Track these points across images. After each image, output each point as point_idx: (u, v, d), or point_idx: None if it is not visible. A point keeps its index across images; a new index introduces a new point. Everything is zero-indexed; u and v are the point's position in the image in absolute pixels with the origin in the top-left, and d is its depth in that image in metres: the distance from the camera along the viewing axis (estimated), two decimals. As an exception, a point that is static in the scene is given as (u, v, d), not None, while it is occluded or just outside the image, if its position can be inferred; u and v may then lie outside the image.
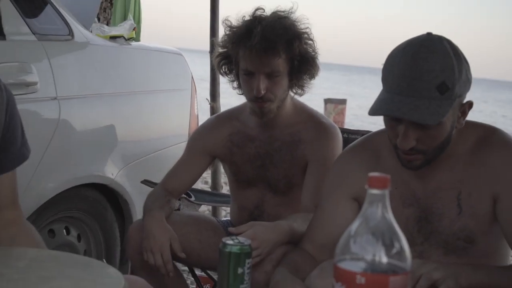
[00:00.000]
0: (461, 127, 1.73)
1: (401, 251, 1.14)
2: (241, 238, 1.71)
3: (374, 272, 1.12)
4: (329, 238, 1.86)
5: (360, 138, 1.91)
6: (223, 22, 2.33)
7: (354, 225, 1.16)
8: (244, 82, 2.28)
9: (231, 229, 2.11)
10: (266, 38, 2.17)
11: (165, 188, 2.44)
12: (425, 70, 1.62)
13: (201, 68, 3.27)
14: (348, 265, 1.14)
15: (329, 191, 2.00)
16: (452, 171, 1.78)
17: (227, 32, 2.31)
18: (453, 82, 1.62)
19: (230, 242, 1.67)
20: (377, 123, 2.18)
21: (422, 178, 1.82)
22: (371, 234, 1.15)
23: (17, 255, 1.54)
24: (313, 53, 2.31)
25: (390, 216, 1.16)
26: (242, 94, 2.41)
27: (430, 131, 1.67)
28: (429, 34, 1.70)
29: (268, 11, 2.29)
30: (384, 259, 1.13)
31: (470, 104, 1.72)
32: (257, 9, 2.28)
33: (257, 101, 2.24)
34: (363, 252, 1.14)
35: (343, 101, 6.77)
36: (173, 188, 2.45)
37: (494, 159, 1.74)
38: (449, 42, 1.68)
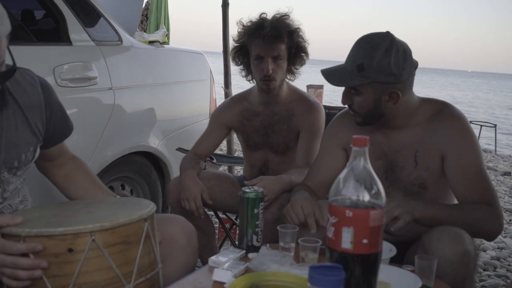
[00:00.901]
0: (391, 109, 1.72)
1: (378, 192, 1.16)
2: (255, 187, 1.72)
3: (358, 208, 1.14)
4: (324, 177, 1.92)
5: (346, 108, 1.90)
6: (237, 22, 2.33)
7: (343, 174, 1.18)
8: (255, 66, 2.28)
9: (246, 182, 2.11)
10: (275, 28, 2.20)
11: (195, 152, 2.44)
12: (356, 53, 1.69)
13: (213, 65, 3.26)
14: (339, 203, 1.16)
15: (324, 143, 2.02)
16: (412, 135, 1.78)
17: (240, 30, 2.31)
18: (369, 66, 1.64)
19: (248, 190, 1.68)
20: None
21: (389, 139, 1.83)
22: (355, 180, 1.16)
23: (74, 203, 1.55)
24: (304, 44, 2.31)
25: (369, 166, 1.17)
26: (249, 80, 2.41)
27: (356, 98, 1.72)
28: (386, 32, 1.70)
29: (269, 15, 2.29)
30: (366, 198, 1.15)
31: (397, 94, 1.69)
32: (262, 13, 2.30)
33: (265, 79, 2.25)
34: (350, 193, 1.15)
35: (321, 87, 6.70)
36: (201, 153, 2.45)
37: (443, 128, 1.74)
38: (391, 41, 1.67)
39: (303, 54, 2.32)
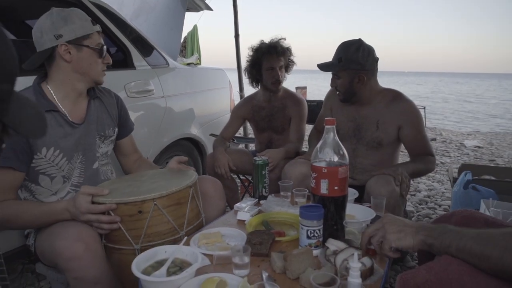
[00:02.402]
0: (360, 89, 1.77)
1: (343, 155, 1.15)
2: (263, 157, 1.71)
3: (330, 166, 1.13)
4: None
5: (331, 89, 2.00)
6: (248, 48, 2.31)
7: (319, 144, 1.17)
8: (267, 74, 2.26)
9: (258, 153, 2.12)
10: (281, 48, 2.21)
11: (222, 136, 2.43)
12: (337, 51, 1.76)
13: (230, 77, 3.22)
14: (317, 164, 1.15)
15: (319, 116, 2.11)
16: (375, 109, 1.82)
17: (252, 52, 2.29)
18: (345, 58, 1.72)
19: (257, 159, 1.67)
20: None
21: (359, 111, 1.85)
22: (328, 148, 1.15)
23: (141, 175, 1.52)
24: (293, 58, 2.31)
25: (337, 138, 1.16)
26: (254, 86, 2.39)
27: (338, 81, 1.79)
28: (358, 38, 1.77)
29: (266, 39, 2.29)
30: (335, 159, 1.14)
31: (363, 78, 1.75)
32: (271, 39, 2.28)
33: (275, 83, 2.25)
34: (325, 156, 1.15)
35: (304, 87, 6.66)
36: (226, 136, 2.43)
37: (399, 107, 1.77)
38: (360, 43, 1.73)
39: (291, 65, 2.31)
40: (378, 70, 1.82)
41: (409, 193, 3.36)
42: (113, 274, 1.16)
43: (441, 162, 4.64)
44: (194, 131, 2.66)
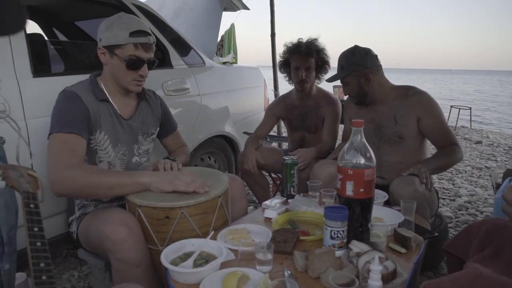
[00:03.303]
0: (369, 88, 1.81)
1: (370, 157, 1.15)
2: (292, 156, 1.72)
3: (356, 168, 1.14)
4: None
5: (346, 100, 2.06)
6: (283, 44, 2.31)
7: (346, 146, 1.17)
8: (294, 73, 2.26)
9: (289, 153, 2.13)
10: (307, 47, 2.19)
11: (256, 134, 2.45)
12: (339, 61, 1.84)
13: (265, 75, 3.22)
14: (343, 165, 1.15)
15: (343, 118, 2.18)
16: (390, 105, 1.83)
17: (284, 49, 2.30)
18: (346, 64, 1.79)
19: (287, 158, 1.69)
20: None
21: (376, 110, 1.87)
22: (354, 150, 1.15)
23: (189, 169, 1.55)
24: (327, 59, 2.28)
25: (364, 140, 1.16)
26: (291, 83, 2.40)
27: (348, 88, 1.85)
28: (353, 46, 1.83)
29: (304, 39, 2.27)
30: (362, 161, 1.14)
31: (368, 76, 1.79)
32: (299, 38, 2.27)
33: (300, 82, 2.24)
34: (351, 158, 1.15)
35: (341, 87, 6.58)
36: (260, 134, 2.45)
37: (415, 99, 1.77)
38: (355, 47, 1.80)
39: (326, 66, 2.28)
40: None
41: (448, 197, 3.23)
42: (151, 260, 1.22)
43: (486, 167, 4.40)
44: (228, 129, 2.69)
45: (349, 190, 1.13)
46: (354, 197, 1.13)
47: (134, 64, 1.40)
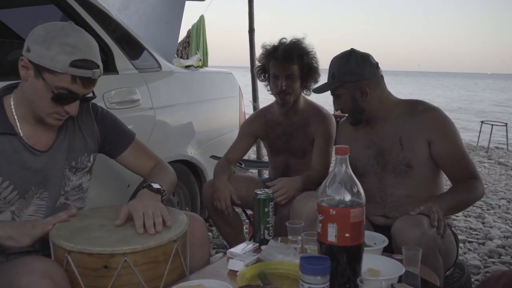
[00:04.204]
0: (367, 103, 1.85)
1: (358, 193, 1.17)
2: (266, 190, 1.73)
3: (340, 207, 1.16)
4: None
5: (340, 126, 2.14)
6: (261, 46, 2.37)
7: (328, 179, 1.19)
8: (272, 83, 2.31)
9: (268, 183, 2.16)
10: (286, 52, 2.23)
11: (227, 158, 2.47)
12: (330, 68, 1.88)
13: (244, 78, 3.25)
14: (324, 203, 1.18)
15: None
16: (394, 124, 1.87)
17: (262, 51, 2.36)
18: (338, 72, 1.83)
19: (260, 192, 1.71)
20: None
21: (376, 130, 1.92)
22: (338, 183, 1.17)
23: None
24: (316, 65, 2.33)
25: (350, 171, 1.18)
26: (271, 93, 2.43)
27: (339, 101, 1.89)
28: (349, 49, 1.87)
29: (289, 38, 2.32)
30: (347, 198, 1.16)
31: (365, 90, 1.83)
32: (282, 38, 2.32)
33: (280, 94, 2.28)
34: (334, 194, 1.17)
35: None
36: (232, 158, 2.48)
37: (424, 117, 1.82)
38: (350, 52, 1.85)
39: (314, 74, 2.33)
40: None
41: (476, 240, 3.29)
42: None
43: (525, 201, 4.52)
44: (191, 152, 2.70)
45: (332, 235, 1.15)
46: (338, 244, 1.15)
47: (63, 98, 1.37)
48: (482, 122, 8.76)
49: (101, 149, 1.67)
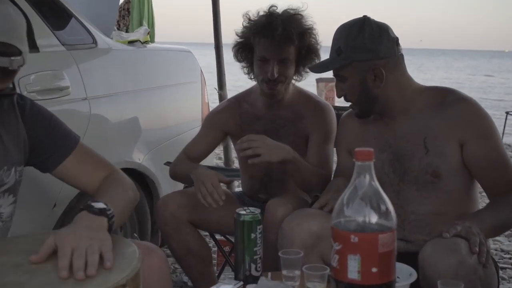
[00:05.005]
0: (381, 90, 1.84)
1: (387, 212, 1.16)
2: (251, 208, 1.70)
3: (365, 232, 1.14)
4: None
5: (349, 110, 2.10)
6: (243, 15, 2.34)
7: (346, 193, 1.17)
8: (258, 67, 2.29)
9: (237, 143, 2.14)
10: (286, 29, 2.20)
11: (187, 155, 2.46)
12: (334, 39, 1.86)
13: (207, 57, 3.24)
14: (342, 227, 1.16)
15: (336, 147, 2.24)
16: (417, 120, 1.87)
17: (246, 24, 2.32)
18: (346, 47, 1.81)
19: (243, 212, 1.68)
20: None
21: (392, 128, 1.91)
22: (360, 199, 1.15)
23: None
24: (316, 45, 2.33)
25: (376, 183, 1.17)
26: (252, 78, 2.43)
27: (344, 86, 1.89)
28: (362, 16, 1.87)
29: (280, 9, 2.29)
30: (373, 220, 1.15)
31: (381, 71, 1.81)
32: (271, 6, 2.29)
33: (269, 83, 2.26)
34: (354, 214, 1.15)
35: (332, 79, 6.64)
36: (193, 155, 2.46)
37: (456, 113, 1.81)
38: (364, 20, 1.83)
39: (313, 56, 2.33)
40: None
41: (511, 266, 3.34)
42: None
43: None
44: (138, 158, 2.69)
45: (353, 271, 1.13)
46: (362, 282, 1.13)
47: None
48: (507, 113, 8.73)
49: (30, 160, 1.62)
